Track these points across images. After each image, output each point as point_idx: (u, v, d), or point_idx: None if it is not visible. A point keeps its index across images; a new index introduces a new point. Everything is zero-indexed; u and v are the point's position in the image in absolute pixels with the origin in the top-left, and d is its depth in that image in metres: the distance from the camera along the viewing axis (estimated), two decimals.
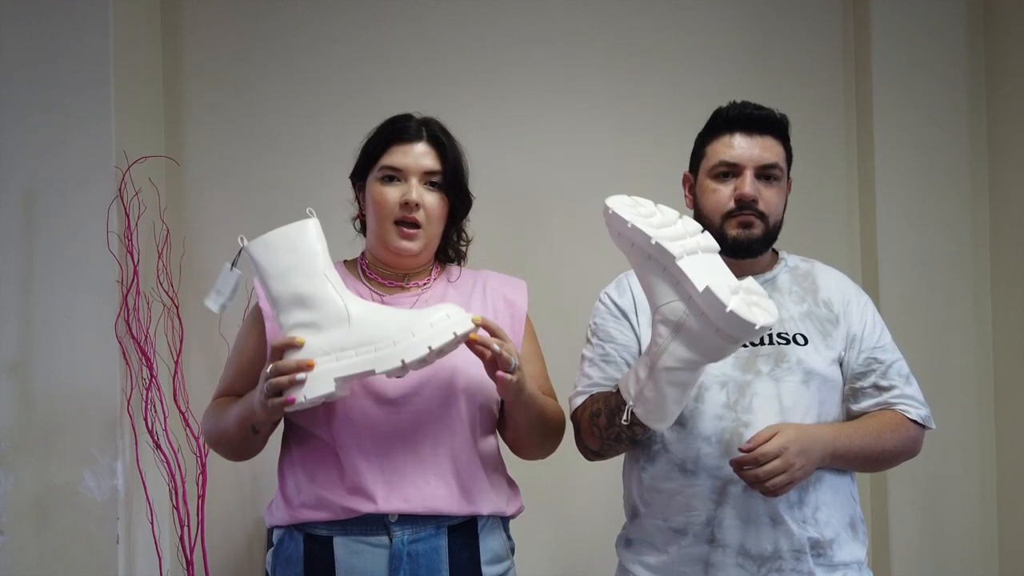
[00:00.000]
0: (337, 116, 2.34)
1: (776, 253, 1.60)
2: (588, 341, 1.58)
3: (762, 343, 1.47)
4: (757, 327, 1.22)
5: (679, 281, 1.28)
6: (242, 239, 1.38)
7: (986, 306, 2.35)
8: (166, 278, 2.25)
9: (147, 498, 2.15)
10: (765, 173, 1.49)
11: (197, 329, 2.32)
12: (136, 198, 2.18)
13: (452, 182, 1.50)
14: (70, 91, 2.14)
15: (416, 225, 1.46)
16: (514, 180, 2.35)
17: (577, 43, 2.39)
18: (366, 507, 1.39)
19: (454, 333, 1.28)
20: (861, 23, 2.36)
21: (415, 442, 1.40)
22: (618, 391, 1.39)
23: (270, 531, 1.53)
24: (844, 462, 1.44)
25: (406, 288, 1.52)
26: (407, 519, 1.40)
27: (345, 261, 1.58)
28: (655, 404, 1.31)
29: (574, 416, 1.53)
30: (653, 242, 1.28)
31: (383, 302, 1.49)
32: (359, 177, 1.55)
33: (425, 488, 1.40)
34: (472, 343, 1.32)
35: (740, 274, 1.52)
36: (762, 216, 1.48)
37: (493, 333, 1.33)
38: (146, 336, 2.17)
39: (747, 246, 1.49)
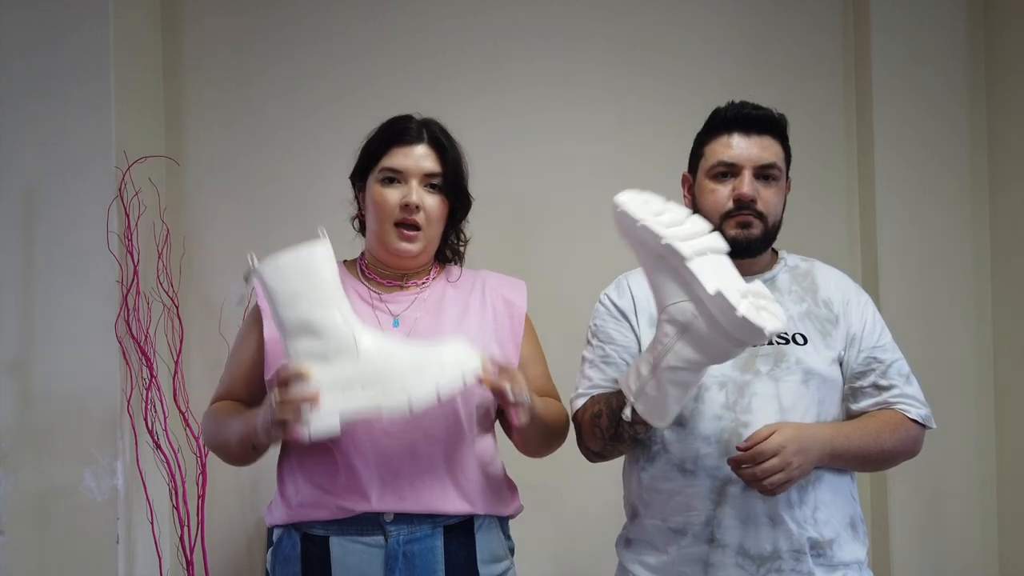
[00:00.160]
0: (337, 115, 2.35)
1: (775, 253, 1.60)
2: (588, 342, 1.58)
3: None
4: (767, 331, 1.21)
5: (689, 282, 1.26)
6: (252, 257, 1.36)
7: (986, 306, 2.35)
8: (166, 278, 2.25)
9: (147, 498, 2.15)
10: (763, 173, 1.49)
11: (197, 329, 2.32)
12: (136, 198, 2.18)
13: (452, 184, 1.50)
14: (70, 91, 2.15)
15: (416, 227, 1.46)
16: (514, 178, 2.35)
17: (577, 38, 2.39)
18: (361, 506, 1.39)
19: (463, 379, 1.29)
20: (861, 17, 2.36)
21: (411, 441, 1.40)
22: (619, 390, 1.39)
23: (270, 530, 1.53)
24: (843, 461, 1.44)
25: (405, 287, 1.52)
26: (403, 518, 1.40)
27: (344, 261, 1.58)
28: (656, 402, 1.31)
29: (575, 418, 1.53)
30: (663, 242, 1.26)
31: (381, 301, 1.50)
32: (359, 178, 1.54)
33: (420, 487, 1.40)
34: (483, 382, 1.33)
35: (739, 274, 1.53)
36: (761, 216, 1.48)
37: (502, 370, 1.33)
38: (146, 336, 2.17)
39: (746, 246, 1.49)
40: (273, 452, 1.52)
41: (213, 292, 2.33)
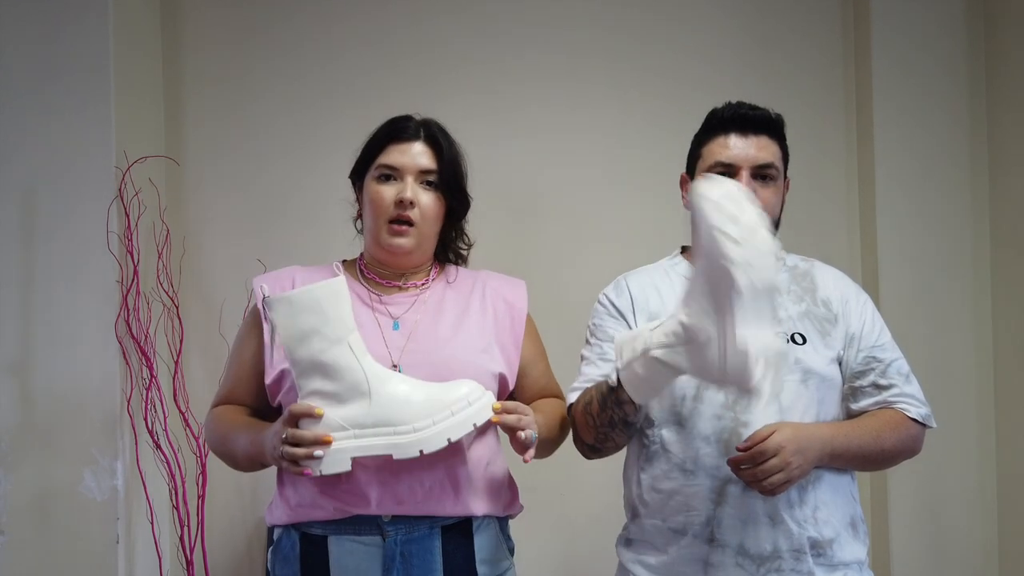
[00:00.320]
0: (338, 115, 2.35)
1: None
2: (587, 341, 1.58)
3: None
4: (757, 398, 1.21)
5: (724, 312, 1.20)
6: (263, 287, 1.35)
7: (986, 305, 2.35)
8: (166, 278, 2.25)
9: (147, 498, 2.15)
10: (761, 173, 1.49)
11: (197, 329, 2.33)
12: (136, 198, 2.18)
13: (448, 181, 1.50)
14: (70, 92, 2.15)
15: (409, 223, 1.46)
16: (514, 177, 2.35)
17: (577, 37, 2.39)
18: (359, 507, 1.39)
19: (474, 424, 1.31)
20: (861, 13, 2.36)
21: None
22: (609, 380, 1.39)
23: (270, 530, 1.53)
24: (843, 461, 1.44)
25: (404, 288, 1.52)
26: (401, 518, 1.40)
27: (344, 261, 1.58)
28: (639, 380, 1.31)
29: (569, 412, 1.53)
30: (724, 263, 1.19)
31: (381, 303, 1.50)
32: (358, 177, 1.55)
33: (418, 489, 1.40)
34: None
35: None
36: None
37: (511, 412, 1.35)
38: (146, 336, 2.17)
39: None
40: None
41: (213, 292, 2.33)
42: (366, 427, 1.30)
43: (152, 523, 2.16)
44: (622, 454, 1.57)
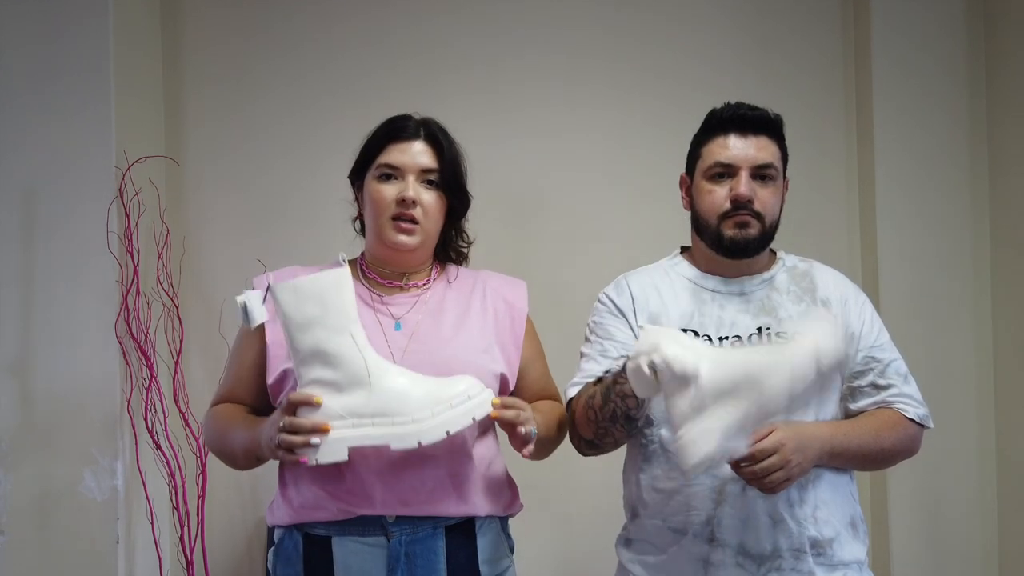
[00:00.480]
0: (338, 115, 2.35)
1: (774, 253, 1.60)
2: (587, 339, 1.58)
3: (761, 343, 1.47)
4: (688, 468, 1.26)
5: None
6: (268, 276, 1.35)
7: (986, 305, 2.35)
8: (166, 278, 2.25)
9: (147, 498, 2.15)
10: (760, 173, 1.49)
11: (197, 329, 2.33)
12: (136, 198, 2.18)
13: (449, 180, 1.50)
14: (70, 92, 2.15)
15: (413, 221, 1.47)
16: (513, 176, 2.35)
17: (577, 36, 2.39)
18: (364, 508, 1.39)
19: (473, 418, 1.30)
20: (861, 13, 2.36)
21: None
22: (615, 374, 1.39)
23: (271, 530, 1.53)
24: (842, 460, 1.44)
25: (405, 288, 1.53)
26: (405, 519, 1.40)
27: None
28: (641, 375, 1.31)
29: (569, 406, 1.53)
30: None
31: (383, 303, 1.50)
32: (358, 176, 1.55)
33: (422, 490, 1.40)
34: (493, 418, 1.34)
35: (738, 274, 1.53)
36: (758, 216, 1.48)
37: (510, 407, 1.35)
38: (146, 336, 2.18)
39: (744, 246, 1.49)
40: None
41: (213, 292, 2.33)
42: (365, 417, 1.29)
43: (152, 523, 2.16)
44: (621, 453, 1.57)
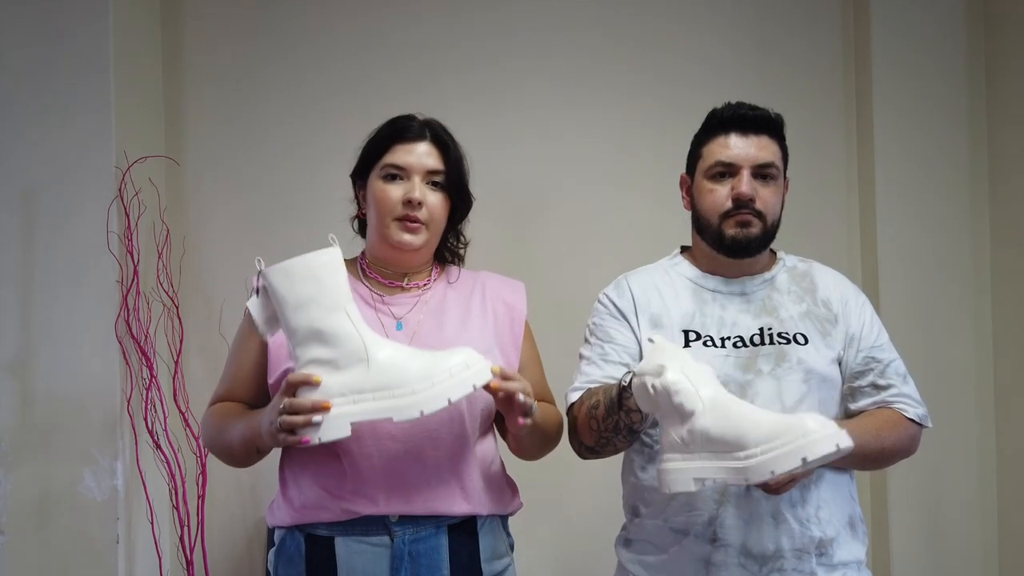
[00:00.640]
0: (338, 115, 2.35)
1: (774, 253, 1.60)
2: (587, 341, 1.58)
3: (763, 343, 1.47)
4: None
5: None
6: (259, 262, 1.35)
7: (986, 305, 2.35)
8: (166, 278, 2.25)
9: (147, 498, 2.15)
10: (761, 172, 1.49)
11: (197, 329, 2.33)
12: (136, 198, 2.18)
13: (455, 182, 1.50)
14: (70, 91, 2.15)
15: (419, 222, 1.47)
16: (513, 177, 2.35)
17: (576, 37, 2.39)
18: (368, 508, 1.39)
19: (473, 386, 1.28)
20: (861, 14, 2.36)
21: (415, 444, 1.40)
22: (618, 383, 1.39)
23: (271, 530, 1.53)
24: (843, 460, 1.44)
25: (406, 289, 1.52)
26: (408, 519, 1.40)
27: (344, 260, 1.58)
28: (646, 393, 1.31)
29: (570, 411, 1.53)
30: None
31: (384, 303, 1.50)
32: (360, 176, 1.55)
33: (426, 489, 1.40)
34: (491, 389, 1.32)
35: (739, 274, 1.53)
36: (759, 215, 1.48)
37: (509, 379, 1.33)
38: (146, 336, 2.17)
39: (745, 245, 1.49)
40: (274, 452, 1.52)
41: (213, 292, 2.33)
42: (365, 392, 1.28)
43: (152, 523, 2.16)
44: (620, 453, 1.57)
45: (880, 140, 2.31)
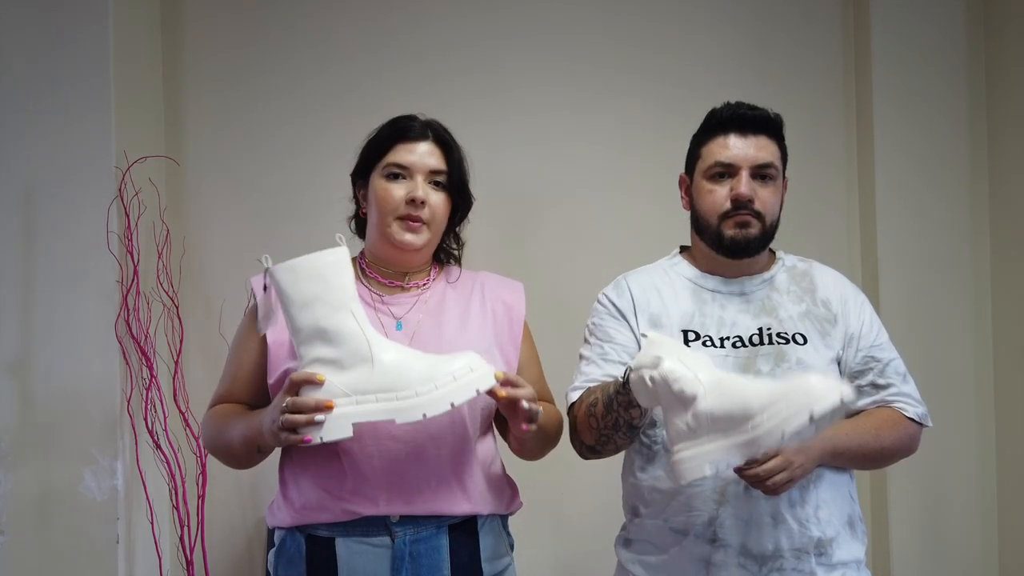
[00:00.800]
0: (337, 114, 2.35)
1: (773, 253, 1.60)
2: (586, 341, 1.58)
3: (762, 343, 1.47)
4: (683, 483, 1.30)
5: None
6: (266, 259, 1.35)
7: (986, 306, 2.35)
8: (166, 278, 2.25)
9: (147, 498, 2.15)
10: (760, 173, 1.49)
11: (197, 329, 2.33)
12: (136, 198, 2.18)
13: (456, 182, 1.50)
14: (70, 91, 2.15)
15: (421, 221, 1.47)
16: (513, 178, 2.35)
17: (576, 38, 2.39)
18: (368, 509, 1.39)
19: (476, 390, 1.28)
20: (861, 16, 2.36)
21: (416, 444, 1.40)
22: (618, 380, 1.39)
23: (271, 531, 1.53)
24: (843, 459, 1.44)
25: (406, 289, 1.52)
26: (408, 519, 1.40)
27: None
28: (644, 387, 1.31)
29: (570, 411, 1.53)
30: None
31: (383, 303, 1.50)
32: (360, 175, 1.54)
33: (426, 490, 1.40)
34: (495, 394, 1.32)
35: (738, 274, 1.53)
36: (759, 215, 1.48)
37: (515, 385, 1.33)
38: (146, 336, 2.18)
39: (744, 245, 1.49)
40: (274, 453, 1.52)
41: (213, 292, 2.33)
42: (368, 393, 1.28)
43: (152, 523, 2.16)
44: (620, 453, 1.57)
45: (880, 140, 2.31)
